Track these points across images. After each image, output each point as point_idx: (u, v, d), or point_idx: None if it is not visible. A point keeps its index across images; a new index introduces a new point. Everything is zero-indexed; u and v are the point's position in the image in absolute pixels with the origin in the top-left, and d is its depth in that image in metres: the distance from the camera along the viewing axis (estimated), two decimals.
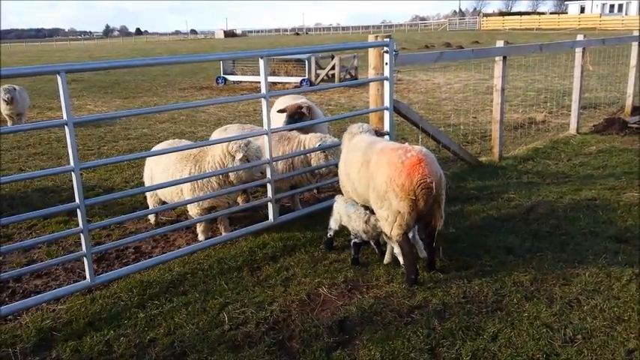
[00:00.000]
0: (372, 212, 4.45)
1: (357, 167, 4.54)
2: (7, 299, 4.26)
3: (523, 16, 71.04)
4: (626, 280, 4.15)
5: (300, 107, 6.15)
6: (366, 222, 4.47)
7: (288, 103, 6.40)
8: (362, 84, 16.04)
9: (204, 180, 5.02)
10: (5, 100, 11.13)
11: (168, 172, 5.14)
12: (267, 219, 5.37)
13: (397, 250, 4.38)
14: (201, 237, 5.27)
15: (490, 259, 4.58)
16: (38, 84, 19.24)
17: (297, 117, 6.09)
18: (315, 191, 6.71)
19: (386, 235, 4.34)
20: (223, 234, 5.28)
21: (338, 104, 14.12)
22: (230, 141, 4.98)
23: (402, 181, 3.97)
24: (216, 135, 6.06)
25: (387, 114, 6.02)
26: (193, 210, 5.23)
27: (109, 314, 3.95)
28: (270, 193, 5.27)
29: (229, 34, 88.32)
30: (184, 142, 5.35)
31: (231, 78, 19.55)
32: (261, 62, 4.96)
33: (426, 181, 3.92)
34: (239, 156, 4.88)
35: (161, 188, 5.18)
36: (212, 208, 5.21)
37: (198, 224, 5.26)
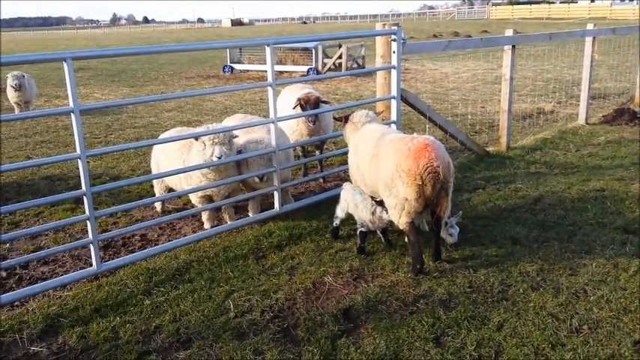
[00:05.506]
0: (379, 203, 4.44)
1: (367, 159, 4.51)
2: (14, 285, 4.29)
3: (532, 6, 70.36)
4: (633, 271, 4.12)
5: (318, 98, 6.16)
6: (372, 213, 4.45)
7: (296, 93, 6.37)
8: (369, 73, 15.99)
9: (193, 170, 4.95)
10: (13, 87, 11.21)
11: (172, 159, 5.13)
12: (273, 207, 5.37)
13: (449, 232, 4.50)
14: (206, 225, 5.28)
15: (496, 248, 4.57)
16: (45, 72, 19.29)
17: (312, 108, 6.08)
18: (321, 180, 6.70)
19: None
20: (229, 222, 5.28)
21: (345, 93, 14.05)
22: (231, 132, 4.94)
23: (408, 165, 3.94)
24: (226, 123, 6.03)
25: (394, 103, 5.99)
26: (193, 198, 5.26)
27: (115, 301, 3.98)
28: (276, 182, 5.27)
29: (236, 22, 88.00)
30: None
31: (237, 67, 19.50)
32: (268, 50, 4.93)
33: (433, 165, 3.89)
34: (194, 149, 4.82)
35: (159, 178, 5.18)
36: (210, 197, 5.20)
37: (203, 212, 5.27)
